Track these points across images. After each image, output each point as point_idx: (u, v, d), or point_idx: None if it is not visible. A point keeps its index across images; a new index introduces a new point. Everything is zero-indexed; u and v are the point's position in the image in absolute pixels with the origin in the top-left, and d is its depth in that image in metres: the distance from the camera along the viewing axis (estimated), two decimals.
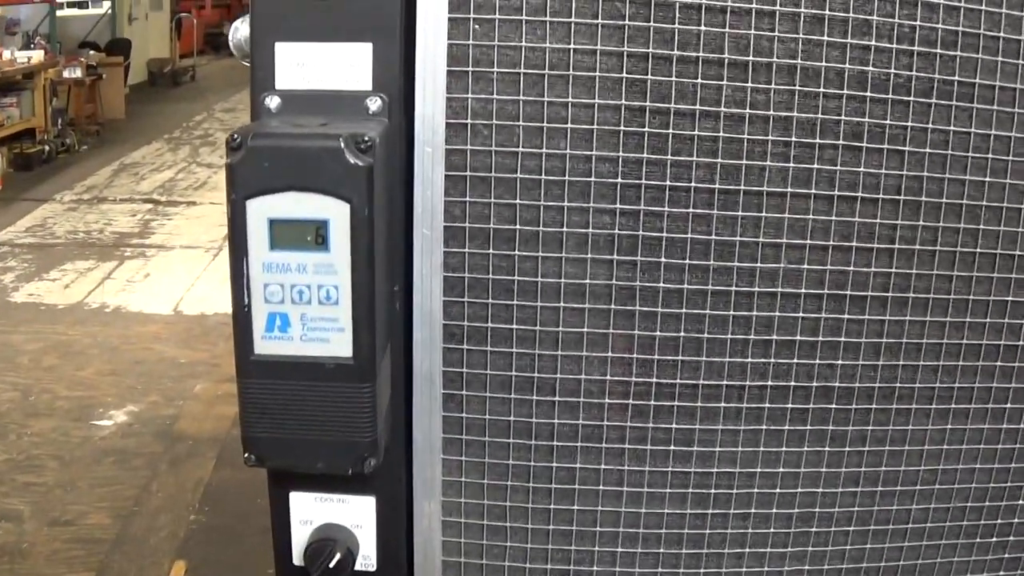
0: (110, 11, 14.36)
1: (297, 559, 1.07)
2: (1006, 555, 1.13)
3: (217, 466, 3.97)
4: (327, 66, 0.95)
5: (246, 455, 0.96)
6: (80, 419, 4.40)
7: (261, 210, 0.88)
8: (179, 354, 5.18)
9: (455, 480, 1.06)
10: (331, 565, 1.02)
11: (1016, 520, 1.12)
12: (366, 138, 0.87)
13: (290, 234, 0.89)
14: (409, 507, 1.07)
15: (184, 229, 7.53)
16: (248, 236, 0.89)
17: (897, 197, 1.00)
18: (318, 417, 0.93)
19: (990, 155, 0.99)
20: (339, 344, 0.92)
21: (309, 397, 0.93)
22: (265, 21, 0.94)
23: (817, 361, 1.03)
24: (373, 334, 0.91)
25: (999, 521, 1.12)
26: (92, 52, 11.82)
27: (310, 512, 1.06)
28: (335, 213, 0.88)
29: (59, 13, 12.79)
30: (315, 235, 0.89)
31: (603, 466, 1.05)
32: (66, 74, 10.20)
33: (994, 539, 1.12)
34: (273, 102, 0.95)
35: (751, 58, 0.95)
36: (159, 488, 3.83)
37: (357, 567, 1.06)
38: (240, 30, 1.00)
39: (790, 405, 1.04)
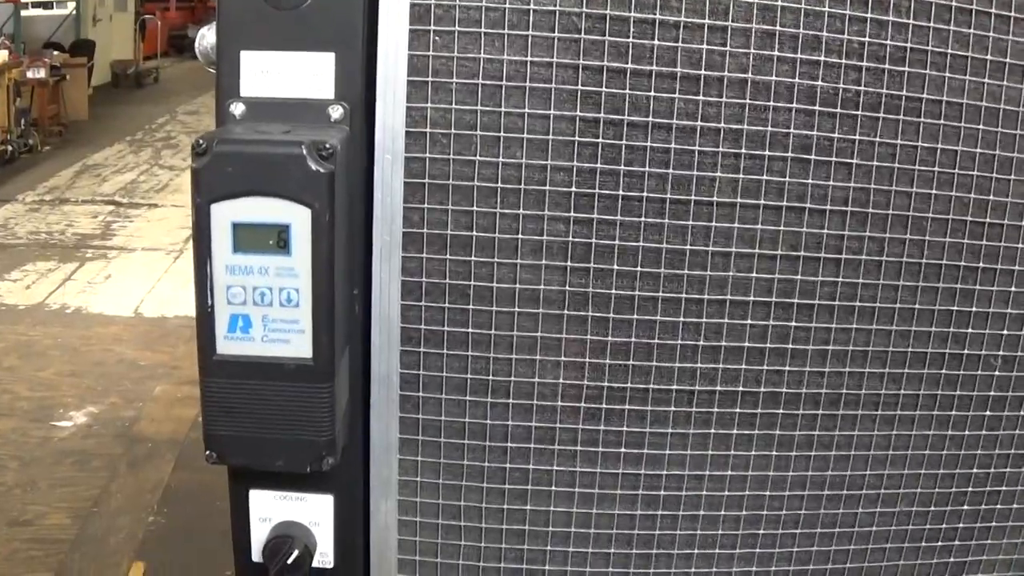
0: (74, 12, 14.28)
1: (256, 556, 1.08)
2: (951, 559, 1.17)
3: (176, 468, 3.96)
4: (291, 74, 0.97)
5: (207, 452, 0.98)
6: (40, 420, 4.39)
7: (225, 214, 0.90)
8: (139, 356, 5.16)
9: (411, 480, 1.08)
10: (289, 562, 1.04)
11: (960, 525, 1.15)
12: (327, 145, 0.90)
13: (253, 237, 0.91)
14: (366, 506, 1.09)
15: (145, 231, 7.50)
16: (212, 239, 0.91)
17: (844, 208, 1.02)
18: (278, 416, 0.95)
19: (936, 168, 1.02)
20: (299, 345, 0.94)
21: (269, 396, 0.95)
22: (231, 30, 0.96)
23: (765, 367, 1.06)
24: (332, 336, 0.93)
25: (944, 526, 1.15)
26: (56, 53, 11.75)
27: (269, 510, 1.08)
28: (297, 218, 0.90)
29: (23, 13, 12.71)
30: (277, 239, 0.91)
31: (555, 467, 1.08)
32: (30, 74, 10.13)
33: (939, 543, 1.15)
34: (238, 109, 0.97)
35: (703, 72, 0.98)
36: (118, 489, 3.82)
37: (315, 564, 1.08)
38: (207, 38, 1.02)
39: (738, 410, 1.07)
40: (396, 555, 1.10)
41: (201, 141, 0.90)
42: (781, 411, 1.07)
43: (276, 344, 0.94)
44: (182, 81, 15.73)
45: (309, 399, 0.95)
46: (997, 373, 1.09)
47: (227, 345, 0.94)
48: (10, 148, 9.42)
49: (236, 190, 0.90)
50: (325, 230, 0.90)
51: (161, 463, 4.04)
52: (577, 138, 0.99)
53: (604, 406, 1.06)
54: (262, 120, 0.97)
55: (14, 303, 5.90)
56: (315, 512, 1.08)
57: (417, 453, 1.07)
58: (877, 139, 1.01)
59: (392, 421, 1.06)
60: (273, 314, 0.93)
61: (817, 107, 1.00)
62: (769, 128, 1.00)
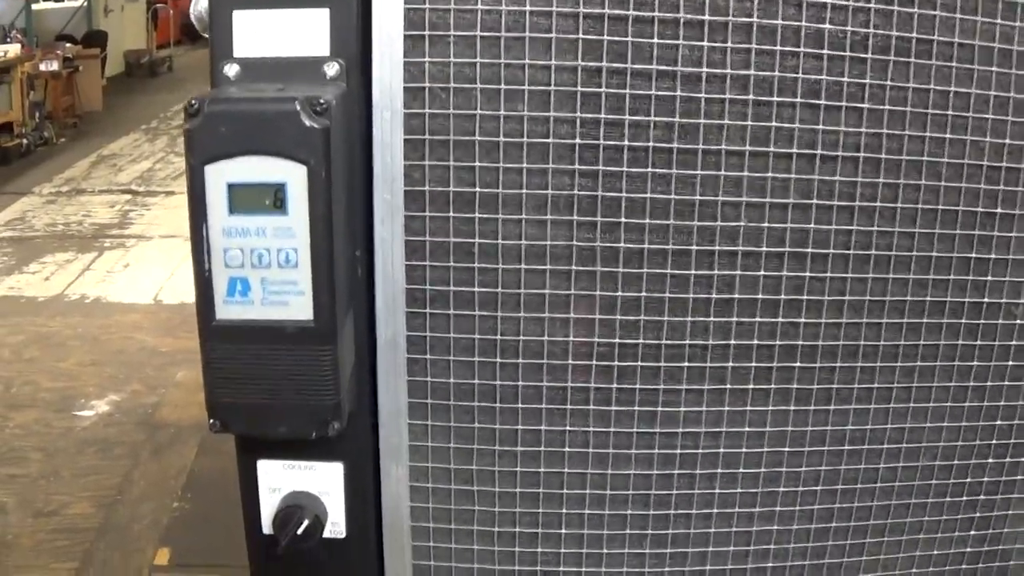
0: (86, 3, 14.27)
1: (267, 527, 1.07)
2: (976, 514, 1.14)
3: (199, 453, 3.96)
4: (285, 32, 0.94)
5: (211, 421, 0.96)
6: (62, 410, 4.39)
7: (219, 175, 0.88)
8: (160, 343, 5.16)
9: (422, 445, 1.06)
10: (299, 532, 1.03)
11: (986, 479, 1.13)
12: (321, 100, 0.87)
13: (249, 198, 0.89)
14: (376, 473, 1.07)
15: (163, 219, 7.49)
16: (207, 201, 0.89)
17: (857, 154, 1.00)
18: (281, 381, 0.93)
19: (950, 111, 0.99)
20: (299, 307, 0.92)
21: (271, 361, 0.93)
22: None
23: (780, 320, 1.03)
24: (333, 296, 0.91)
25: (968, 480, 1.12)
26: (68, 45, 11.74)
27: (278, 480, 1.06)
28: (292, 176, 0.88)
29: (35, 7, 12.71)
30: (274, 198, 0.89)
31: (568, 428, 1.06)
32: (43, 67, 10.12)
33: (964, 498, 1.13)
34: (232, 70, 0.95)
35: (707, 17, 0.95)
36: (141, 476, 3.82)
37: (326, 534, 1.07)
38: (200, 2, 0.99)
39: (754, 364, 1.04)
40: (409, 522, 1.08)
41: (193, 102, 0.88)
42: (798, 365, 1.05)
43: (276, 307, 0.92)
44: (196, 69, 15.70)
45: (312, 362, 0.93)
46: (1019, 322, 1.06)
47: (226, 309, 0.92)
48: (25, 141, 9.42)
49: (230, 150, 0.88)
50: (322, 187, 0.88)
51: (184, 449, 4.04)
52: (580, 88, 0.97)
53: (616, 363, 1.04)
54: (257, 80, 0.95)
55: (33, 295, 5.90)
56: (325, 481, 1.06)
57: (427, 417, 1.05)
58: (888, 83, 0.98)
59: (400, 385, 1.04)
60: (272, 276, 0.91)
61: (825, 51, 0.97)
62: (777, 73, 0.97)
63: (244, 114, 0.87)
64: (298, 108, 0.87)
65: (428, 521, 1.09)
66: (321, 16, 0.94)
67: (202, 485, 3.72)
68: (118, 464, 3.92)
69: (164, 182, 8.62)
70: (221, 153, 0.88)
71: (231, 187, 0.89)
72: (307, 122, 0.87)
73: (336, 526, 1.07)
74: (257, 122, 0.87)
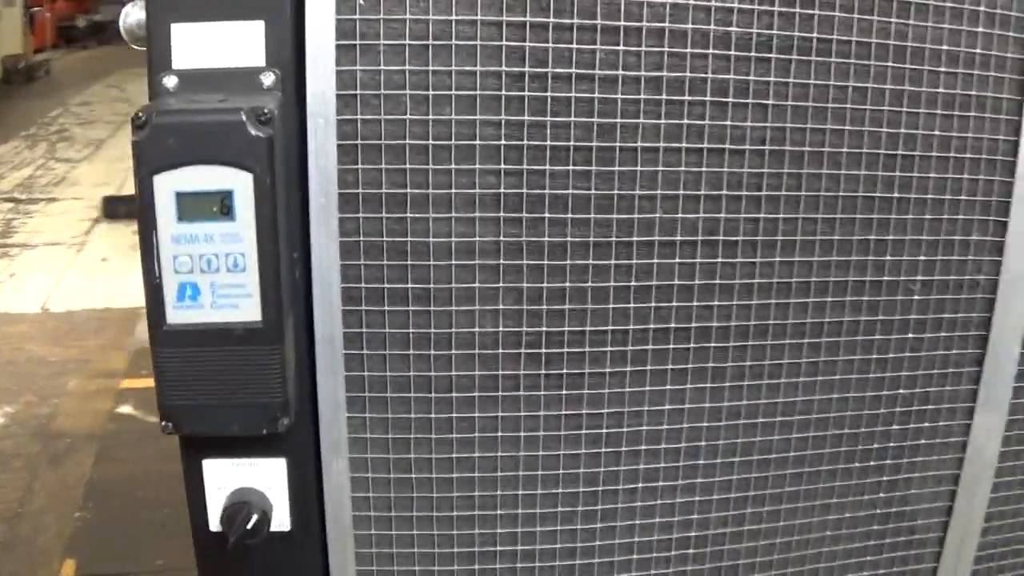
0: None
1: (214, 525, 1.10)
2: (884, 478, 1.22)
3: (97, 462, 3.92)
4: (222, 44, 0.98)
5: (163, 423, 1.00)
6: None
7: (168, 184, 0.92)
8: (49, 352, 5.07)
9: (361, 437, 1.11)
10: (248, 527, 1.06)
11: (891, 444, 1.21)
12: (265, 110, 0.91)
13: (197, 206, 0.93)
14: (318, 467, 1.11)
15: (46, 226, 7.35)
16: (156, 210, 0.92)
17: (762, 147, 1.07)
18: (231, 381, 0.97)
19: (848, 105, 1.07)
20: (248, 309, 0.96)
21: (222, 362, 0.97)
22: (161, 3, 0.97)
23: (695, 303, 1.10)
24: (280, 297, 0.96)
25: (875, 446, 1.21)
26: None
27: (223, 478, 1.09)
28: (239, 183, 0.92)
29: None
30: (220, 205, 0.93)
31: (500, 414, 1.11)
32: None
33: (871, 463, 1.21)
34: (171, 81, 0.98)
35: (622, 23, 1.02)
36: (42, 488, 3.77)
37: (272, 528, 1.10)
38: (132, 15, 1.02)
39: (671, 346, 1.11)
40: (351, 512, 1.13)
41: (140, 114, 0.91)
42: (712, 345, 1.12)
43: (225, 309, 0.95)
44: (73, 72, 15.38)
45: (261, 362, 0.97)
46: (916, 297, 1.14)
47: (177, 314, 0.95)
48: None
49: (177, 160, 0.91)
50: (267, 193, 0.92)
51: (81, 458, 3.99)
52: (504, 92, 1.02)
53: (543, 351, 1.09)
54: (195, 91, 0.98)
55: None
56: (269, 477, 1.09)
57: (365, 410, 1.10)
58: (791, 80, 1.06)
59: (339, 380, 1.08)
60: (221, 280, 0.95)
61: (732, 51, 1.04)
62: (688, 74, 1.04)
63: (191, 125, 0.91)
64: (244, 118, 0.91)
65: (369, 510, 1.13)
66: (256, 28, 0.98)
67: (102, 493, 3.68)
68: (17, 477, 3.86)
69: (46, 189, 8.44)
70: (169, 163, 0.91)
71: (179, 195, 0.92)
72: (253, 131, 0.91)
73: (281, 520, 1.11)
74: (204, 132, 0.91)
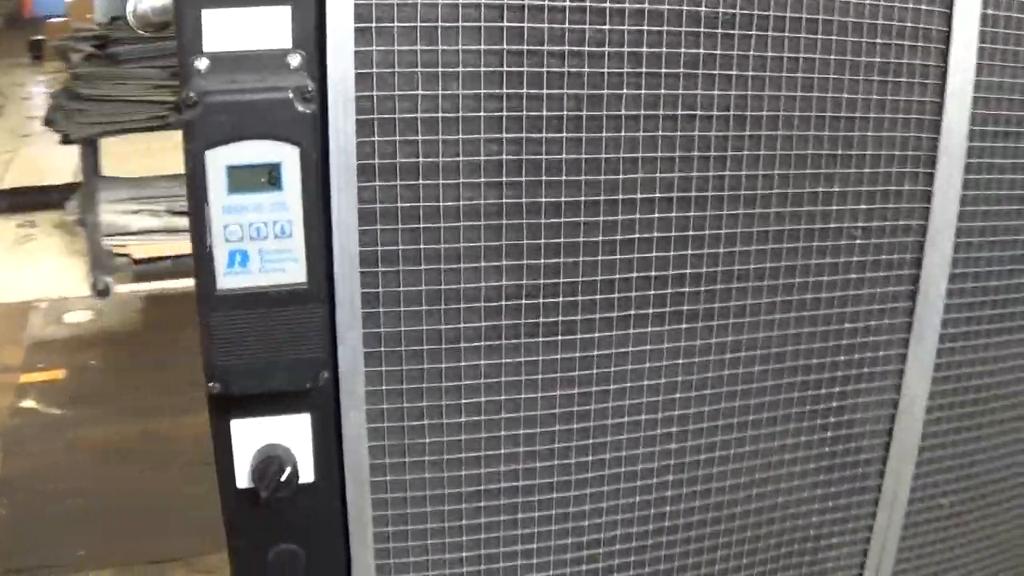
0: None
1: (241, 483, 1.19)
2: (833, 403, 1.39)
3: (4, 457, 3.89)
4: (250, 28, 1.06)
5: (211, 384, 1.08)
6: None
7: (219, 159, 1.01)
8: None
9: (377, 389, 1.21)
10: (282, 479, 1.15)
11: (839, 374, 1.37)
12: (309, 88, 1.01)
13: (246, 178, 1.02)
14: (338, 420, 1.21)
15: None
16: (208, 183, 1.01)
17: (727, 113, 1.21)
18: (277, 341, 1.07)
19: (799, 74, 1.22)
20: (294, 272, 1.05)
21: (269, 323, 1.06)
22: None
23: (671, 253, 1.24)
24: (323, 259, 1.05)
25: (826, 375, 1.37)
26: None
27: (251, 437, 1.18)
28: (286, 156, 1.02)
29: None
30: (268, 176, 1.02)
31: (503, 360, 1.23)
32: None
33: (823, 391, 1.38)
34: (202, 63, 1.06)
35: (608, 5, 1.14)
36: None
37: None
38: (145, 2, 1.10)
39: (652, 292, 1.25)
40: (368, 460, 1.23)
41: (191, 95, 1.00)
42: (687, 290, 1.26)
43: (272, 273, 1.05)
44: None
45: (304, 321, 1.07)
46: (859, 242, 1.30)
47: (227, 280, 1.04)
48: None
49: (228, 136, 1.00)
50: (312, 164, 1.02)
51: None
52: (504, 68, 1.14)
53: (541, 301, 1.22)
54: (226, 72, 1.07)
55: None
56: (293, 433, 1.19)
57: (381, 364, 1.20)
58: (751, 53, 1.20)
59: (358, 338, 1.18)
60: (268, 246, 1.04)
61: (701, 28, 1.18)
62: (664, 49, 1.17)
63: (242, 104, 1.00)
64: (291, 96, 1.00)
65: (385, 457, 1.24)
66: (284, 12, 1.07)
67: (13, 489, 3.67)
68: None
69: None
70: (220, 139, 1.00)
71: (230, 169, 1.01)
72: (299, 108, 1.01)
73: (304, 473, 1.21)
74: (254, 110, 1.00)
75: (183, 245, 5.17)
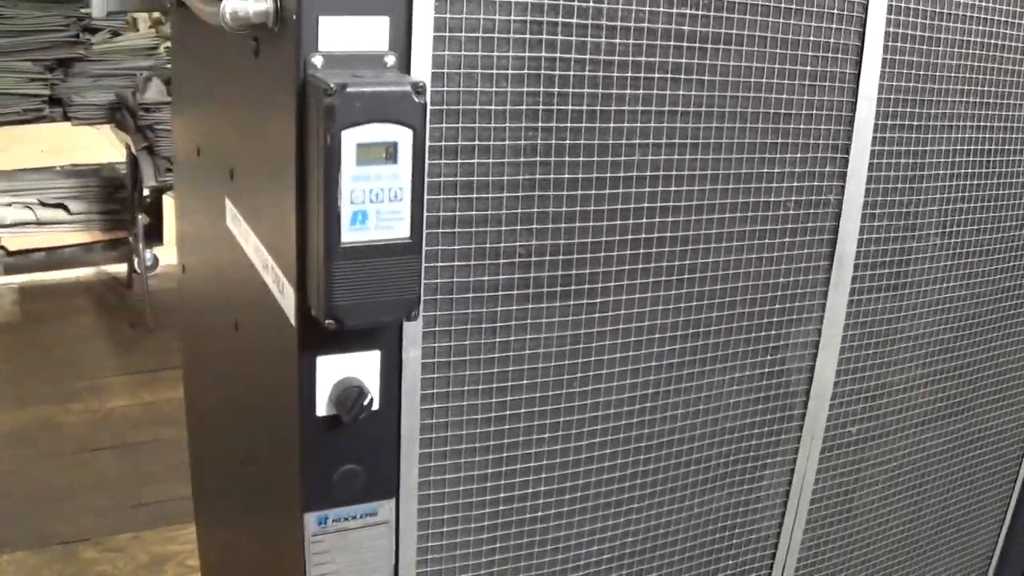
0: None
1: (321, 411, 1.44)
2: (769, 344, 1.73)
3: None
4: (357, 33, 1.32)
5: (327, 321, 1.32)
6: None
7: (352, 137, 1.26)
8: None
9: (430, 331, 1.48)
10: (364, 403, 1.41)
11: (773, 319, 1.71)
12: (420, 84, 1.28)
13: (370, 153, 1.27)
14: (399, 356, 1.47)
15: None
16: (342, 156, 1.27)
17: (700, 109, 1.55)
18: (384, 284, 1.32)
19: (752, 79, 1.57)
20: (400, 229, 1.31)
21: (379, 270, 1.31)
22: (315, 2, 1.31)
23: (657, 220, 1.57)
24: (422, 219, 1.32)
25: (763, 320, 1.71)
26: None
27: (332, 370, 1.42)
28: (402, 137, 1.28)
29: None
30: (387, 153, 1.28)
31: (530, 306, 1.52)
32: None
33: (760, 333, 1.71)
34: (318, 60, 1.31)
35: (619, 23, 1.46)
36: None
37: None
38: (249, 6, 1.34)
39: (642, 251, 1.57)
40: (420, 391, 1.50)
41: (332, 85, 1.25)
42: (666, 249, 1.59)
43: (384, 230, 1.30)
44: None
45: (405, 268, 1.33)
46: (792, 212, 1.66)
47: (350, 235, 1.29)
48: None
49: (360, 119, 1.26)
50: (421, 144, 1.29)
51: None
52: (543, 72, 1.44)
53: (562, 257, 1.52)
54: (337, 68, 1.32)
55: None
56: (366, 367, 1.44)
57: (436, 309, 1.48)
58: (719, 63, 1.54)
59: (419, 287, 1.45)
60: (384, 208, 1.30)
61: (671, 43, 1.51)
62: (657, 59, 1.50)
63: (374, 94, 1.26)
64: (410, 89, 1.27)
65: (433, 388, 1.51)
66: (383, 21, 1.33)
67: None
68: None
69: None
70: (353, 121, 1.25)
71: (359, 146, 1.27)
72: (416, 99, 1.27)
73: (373, 401, 1.46)
74: (382, 99, 1.26)
75: (56, 237, 5.11)
